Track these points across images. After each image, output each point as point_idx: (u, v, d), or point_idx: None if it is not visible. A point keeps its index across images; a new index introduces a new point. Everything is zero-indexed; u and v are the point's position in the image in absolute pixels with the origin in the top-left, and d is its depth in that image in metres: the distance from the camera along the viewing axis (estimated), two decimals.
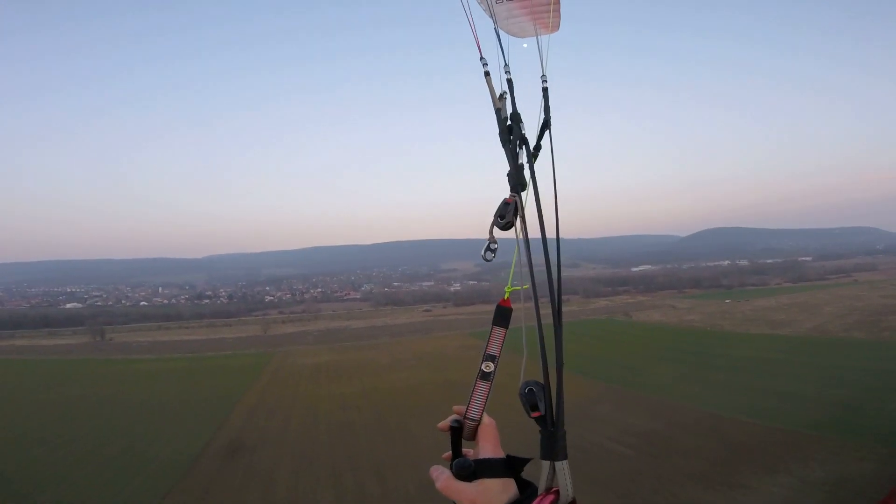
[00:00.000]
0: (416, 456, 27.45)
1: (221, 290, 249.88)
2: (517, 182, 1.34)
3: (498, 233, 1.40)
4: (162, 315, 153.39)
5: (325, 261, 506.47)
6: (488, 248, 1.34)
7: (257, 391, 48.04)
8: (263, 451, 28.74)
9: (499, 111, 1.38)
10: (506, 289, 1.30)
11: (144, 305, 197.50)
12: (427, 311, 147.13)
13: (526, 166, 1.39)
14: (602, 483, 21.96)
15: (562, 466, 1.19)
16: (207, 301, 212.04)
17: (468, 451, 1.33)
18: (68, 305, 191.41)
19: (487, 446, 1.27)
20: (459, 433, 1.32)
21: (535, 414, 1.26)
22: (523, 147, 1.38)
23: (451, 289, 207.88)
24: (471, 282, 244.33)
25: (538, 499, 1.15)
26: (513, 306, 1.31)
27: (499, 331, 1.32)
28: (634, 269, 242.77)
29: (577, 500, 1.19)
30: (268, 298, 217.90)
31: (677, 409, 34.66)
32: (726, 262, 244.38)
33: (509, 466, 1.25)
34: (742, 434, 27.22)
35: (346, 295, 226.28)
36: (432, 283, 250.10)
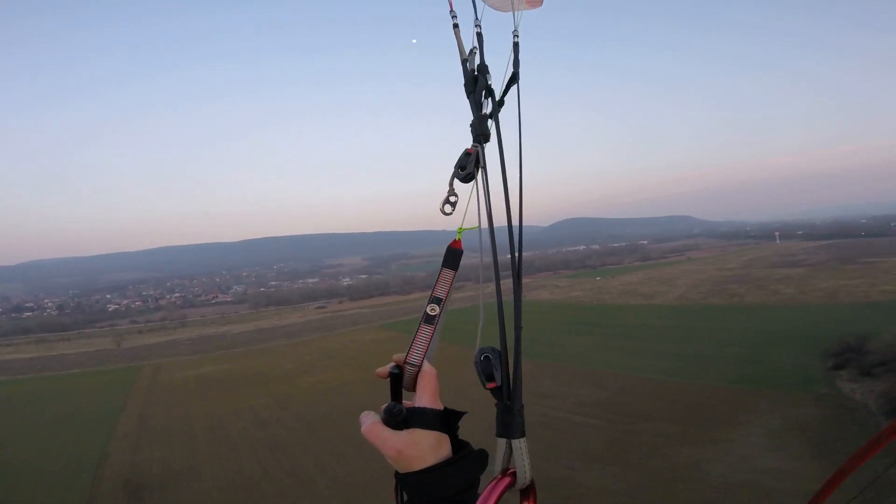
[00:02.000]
0: (384, 467, 23.78)
1: (47, 301, 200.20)
2: (480, 132, 1.25)
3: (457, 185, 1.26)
4: None
5: (179, 262, 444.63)
6: (447, 202, 1.19)
7: (132, 414, 38.35)
8: (179, 488, 22.16)
9: (465, 62, 1.34)
10: (458, 229, 1.17)
11: None
12: (321, 307, 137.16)
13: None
14: (592, 457, 21.39)
15: (519, 445, 1.04)
16: (30, 314, 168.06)
17: (408, 402, 1.16)
18: None
19: (424, 396, 1.11)
20: (399, 381, 1.17)
21: (491, 385, 1.09)
22: (488, 99, 1.31)
23: (344, 283, 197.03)
24: (362, 276, 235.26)
25: (493, 482, 1.00)
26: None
27: (448, 273, 1.17)
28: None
29: (534, 482, 1.05)
30: (111, 307, 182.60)
31: (610, 377, 36.55)
32: (583, 247, 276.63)
33: (445, 420, 1.10)
34: (682, 393, 29.42)
35: (213, 298, 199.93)
36: (318, 280, 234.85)
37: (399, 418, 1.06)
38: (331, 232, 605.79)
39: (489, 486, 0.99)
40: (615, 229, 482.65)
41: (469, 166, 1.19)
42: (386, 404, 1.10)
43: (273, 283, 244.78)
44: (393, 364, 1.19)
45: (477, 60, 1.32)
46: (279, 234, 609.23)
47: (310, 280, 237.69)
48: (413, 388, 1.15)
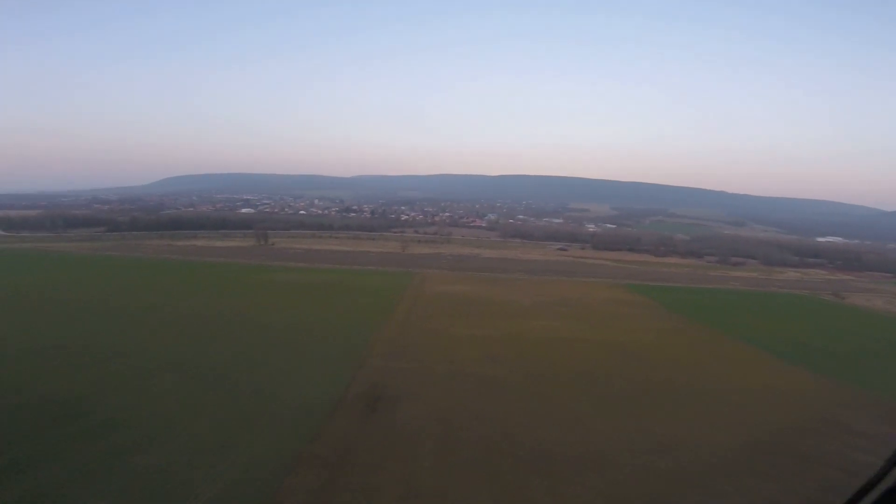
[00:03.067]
0: (591, 449, 21.01)
1: (365, 206, 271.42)
2: None
3: None
4: (316, 224, 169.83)
5: (452, 188, 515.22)
6: None
7: (398, 321, 45.58)
8: (405, 408, 24.82)
9: None
10: None
11: (303, 214, 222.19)
12: (562, 249, 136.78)
13: None
14: None
15: None
16: (353, 214, 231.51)
17: None
18: (243, 210, 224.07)
19: None
20: None
21: None
22: None
23: (588, 229, 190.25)
24: (608, 225, 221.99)
25: None
26: None
27: None
28: (820, 240, 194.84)
29: None
30: (403, 217, 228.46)
31: None
32: None
33: None
34: None
35: (471, 222, 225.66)
36: (562, 221, 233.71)
37: None
38: (578, 176, 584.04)
39: None
40: None
41: None
42: None
43: (521, 216, 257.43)
44: None
45: None
46: (530, 174, 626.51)
47: (554, 220, 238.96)
48: None
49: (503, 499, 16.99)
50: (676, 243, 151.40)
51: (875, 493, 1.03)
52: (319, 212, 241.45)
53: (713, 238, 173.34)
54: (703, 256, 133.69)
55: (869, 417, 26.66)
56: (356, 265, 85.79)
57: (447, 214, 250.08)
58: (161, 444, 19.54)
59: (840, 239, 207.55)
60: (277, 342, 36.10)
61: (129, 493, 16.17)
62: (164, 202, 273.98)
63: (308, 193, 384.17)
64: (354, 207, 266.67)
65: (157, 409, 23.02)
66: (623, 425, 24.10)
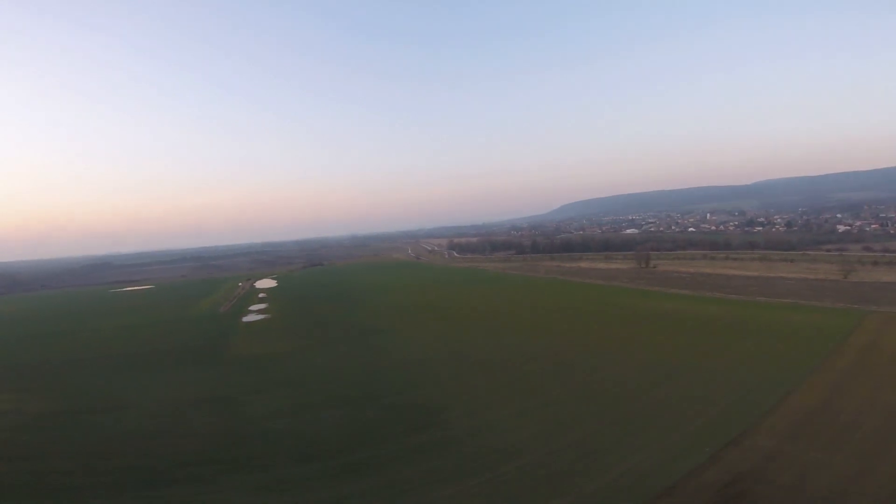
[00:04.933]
0: None
1: (777, 217, 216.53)
2: None
3: None
4: (708, 242, 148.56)
5: None
6: None
7: (826, 382, 30.83)
8: None
9: None
10: None
11: (692, 232, 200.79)
12: None
13: None
14: None
15: None
16: (760, 229, 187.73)
17: None
18: (627, 231, 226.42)
19: None
20: None
21: None
22: None
23: None
24: None
25: None
26: None
27: None
28: None
29: None
30: (841, 228, 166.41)
31: None
32: None
33: None
34: None
35: None
36: None
37: None
38: None
39: None
40: None
41: None
42: None
43: None
44: None
45: None
46: None
47: None
48: None
49: None
50: None
51: None
52: (713, 227, 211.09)
53: None
54: None
55: None
56: (763, 296, 66.19)
57: None
58: (470, 477, 20.10)
59: None
60: (631, 390, 31.42)
61: None
62: (560, 227, 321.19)
63: (698, 207, 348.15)
64: (761, 219, 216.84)
65: (497, 440, 23.74)
66: None
